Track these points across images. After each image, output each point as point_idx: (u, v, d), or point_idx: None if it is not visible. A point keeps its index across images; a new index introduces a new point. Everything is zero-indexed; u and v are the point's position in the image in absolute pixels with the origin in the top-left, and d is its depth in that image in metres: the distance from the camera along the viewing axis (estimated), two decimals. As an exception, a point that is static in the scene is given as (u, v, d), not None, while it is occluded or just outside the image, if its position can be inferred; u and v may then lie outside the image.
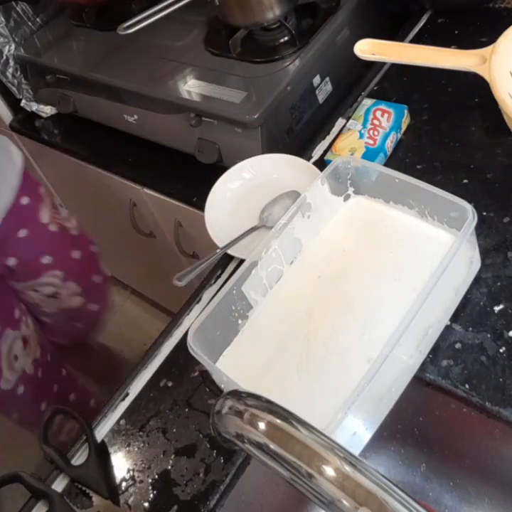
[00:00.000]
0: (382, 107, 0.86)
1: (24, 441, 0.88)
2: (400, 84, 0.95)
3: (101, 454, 0.69)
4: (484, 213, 0.74)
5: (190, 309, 0.80)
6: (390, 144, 0.84)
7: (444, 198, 0.64)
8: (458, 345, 0.66)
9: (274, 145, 0.95)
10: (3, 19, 1.26)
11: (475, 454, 0.72)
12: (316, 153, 0.91)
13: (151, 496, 0.66)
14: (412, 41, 1.01)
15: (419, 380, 0.65)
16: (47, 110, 1.33)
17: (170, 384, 0.74)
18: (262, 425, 0.38)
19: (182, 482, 0.66)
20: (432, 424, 0.72)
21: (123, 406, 0.73)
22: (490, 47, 0.76)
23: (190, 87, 1.16)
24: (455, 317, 0.67)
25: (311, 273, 0.71)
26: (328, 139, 0.93)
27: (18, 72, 1.31)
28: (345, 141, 0.84)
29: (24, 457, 0.92)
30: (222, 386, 0.65)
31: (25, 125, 1.37)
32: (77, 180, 1.39)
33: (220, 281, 0.81)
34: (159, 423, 0.71)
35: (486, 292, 0.68)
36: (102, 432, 0.72)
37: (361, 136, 0.84)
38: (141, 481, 0.67)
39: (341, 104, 0.98)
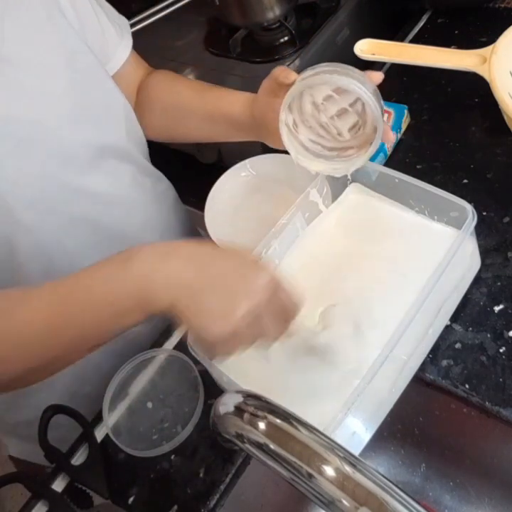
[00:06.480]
0: (382, 107, 0.86)
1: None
2: (400, 84, 0.96)
3: (101, 454, 0.69)
4: (484, 213, 0.74)
5: (190, 309, 0.80)
6: (390, 144, 0.84)
7: (444, 197, 0.64)
8: (458, 345, 0.66)
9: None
10: None
11: (475, 454, 0.72)
12: (316, 153, 0.91)
13: (151, 496, 0.66)
14: (412, 41, 1.01)
15: (419, 380, 0.65)
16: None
17: (170, 384, 0.74)
18: (262, 425, 0.38)
19: (182, 482, 0.66)
20: (431, 424, 0.72)
21: (123, 405, 0.73)
22: (490, 47, 0.76)
23: (190, 87, 1.16)
24: (455, 317, 0.67)
25: (311, 272, 0.71)
26: (328, 138, 0.93)
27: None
28: (345, 141, 0.84)
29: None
30: (223, 386, 0.65)
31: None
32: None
33: (220, 281, 0.81)
34: (159, 423, 0.71)
35: (486, 292, 0.68)
36: (102, 431, 0.72)
37: (361, 136, 0.84)
38: (141, 481, 0.67)
39: (341, 104, 0.98)
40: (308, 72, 0.60)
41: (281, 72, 0.64)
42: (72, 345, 0.54)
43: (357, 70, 0.60)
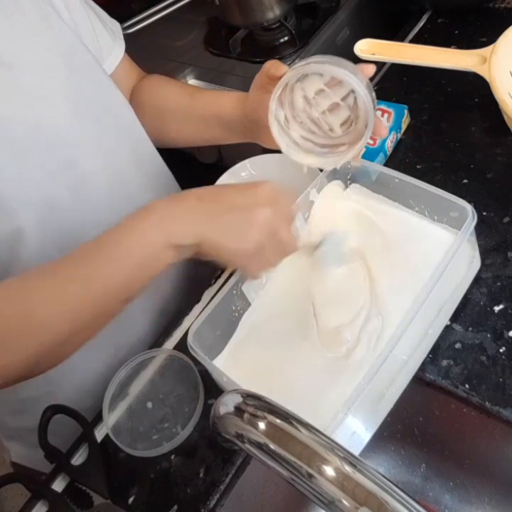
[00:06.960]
0: (382, 107, 0.86)
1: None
2: (400, 84, 0.95)
3: (101, 454, 0.69)
4: (484, 213, 0.74)
5: (190, 309, 0.80)
6: (390, 144, 0.84)
7: (444, 197, 0.64)
8: (458, 345, 0.66)
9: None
10: None
11: (475, 454, 0.72)
12: (316, 153, 0.91)
13: (151, 496, 0.66)
14: (412, 41, 1.01)
15: (419, 380, 0.65)
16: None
17: (170, 384, 0.74)
18: (262, 425, 0.38)
19: (182, 482, 0.66)
20: (432, 424, 0.72)
21: (123, 405, 0.73)
22: (490, 47, 0.76)
23: (190, 87, 1.16)
24: (455, 317, 0.67)
25: (311, 272, 0.71)
26: (328, 139, 0.93)
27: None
28: (345, 141, 0.84)
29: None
30: (223, 386, 0.65)
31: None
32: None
33: (220, 281, 0.81)
34: (159, 423, 0.71)
35: (486, 292, 0.68)
36: (102, 431, 0.72)
37: (361, 136, 0.84)
38: (141, 481, 0.67)
39: (341, 104, 0.98)
40: (300, 63, 0.60)
41: (272, 65, 0.63)
42: (99, 302, 0.55)
43: (349, 62, 0.59)
